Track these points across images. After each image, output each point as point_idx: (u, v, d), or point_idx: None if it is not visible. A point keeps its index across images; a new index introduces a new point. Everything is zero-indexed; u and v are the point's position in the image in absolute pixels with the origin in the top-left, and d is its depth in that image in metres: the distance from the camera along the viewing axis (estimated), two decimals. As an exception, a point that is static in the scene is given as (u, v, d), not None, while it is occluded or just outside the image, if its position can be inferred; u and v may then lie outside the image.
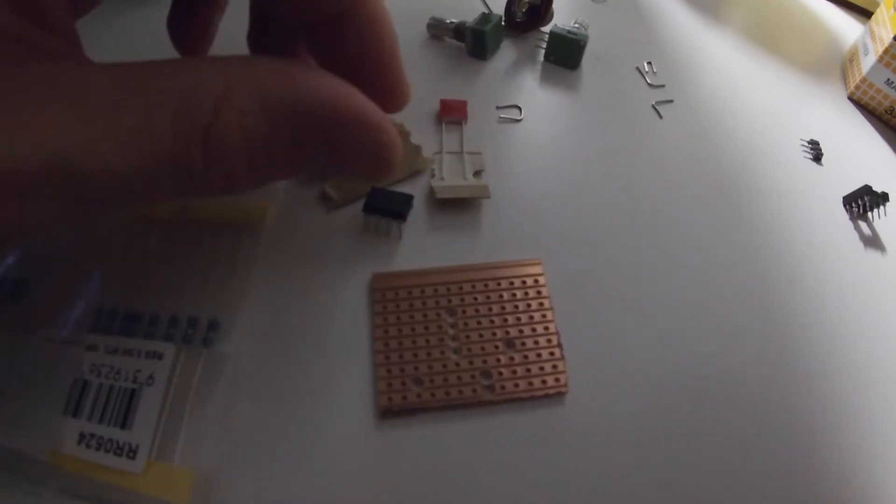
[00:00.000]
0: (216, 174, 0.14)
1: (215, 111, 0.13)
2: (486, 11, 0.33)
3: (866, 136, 0.32)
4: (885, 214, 0.28)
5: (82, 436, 0.20)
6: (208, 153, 0.14)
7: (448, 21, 0.33)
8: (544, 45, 0.33)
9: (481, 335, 0.22)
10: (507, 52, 0.33)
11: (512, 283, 0.23)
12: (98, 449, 0.20)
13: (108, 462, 0.19)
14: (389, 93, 0.19)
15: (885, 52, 0.31)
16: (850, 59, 0.35)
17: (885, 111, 0.33)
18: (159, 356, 0.21)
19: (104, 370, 0.21)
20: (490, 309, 0.23)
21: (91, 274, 0.24)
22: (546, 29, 0.33)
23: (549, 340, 0.22)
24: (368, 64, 0.18)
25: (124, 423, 0.20)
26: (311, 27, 0.18)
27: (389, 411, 0.21)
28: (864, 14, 0.40)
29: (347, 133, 0.15)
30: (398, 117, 0.29)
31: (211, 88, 0.14)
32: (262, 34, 0.21)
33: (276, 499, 0.19)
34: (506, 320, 0.23)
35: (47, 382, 0.21)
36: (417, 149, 0.28)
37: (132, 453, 0.20)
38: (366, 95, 0.16)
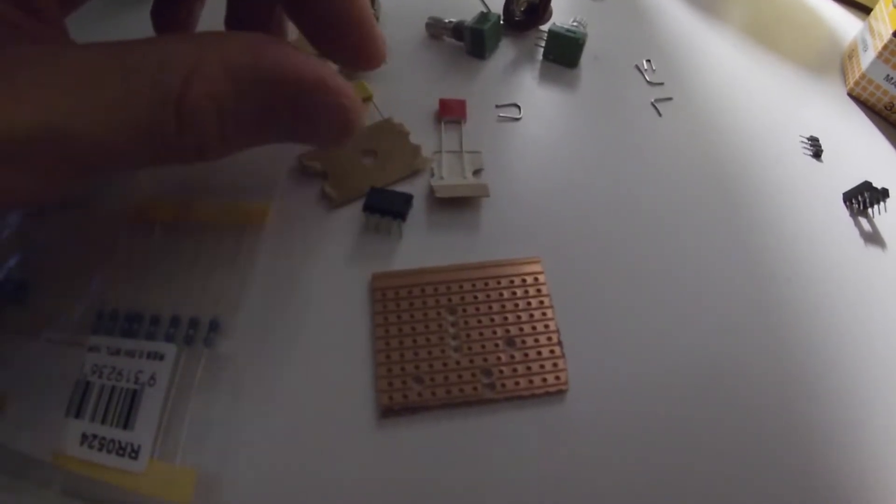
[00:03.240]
0: (189, 139, 0.16)
1: (187, 81, 0.15)
2: (485, 10, 0.33)
3: (866, 132, 0.32)
4: (886, 210, 0.28)
5: (85, 436, 0.20)
6: (181, 119, 0.15)
7: (447, 20, 0.33)
8: (543, 44, 0.33)
9: (481, 333, 0.22)
10: (505, 51, 0.33)
11: (512, 282, 0.24)
12: (100, 449, 0.20)
13: (110, 462, 0.20)
14: (365, 49, 0.21)
15: (885, 48, 0.31)
16: (850, 55, 0.35)
17: (885, 107, 0.33)
18: (161, 357, 0.21)
19: (106, 371, 0.21)
20: (490, 307, 0.23)
21: (92, 275, 0.24)
22: (545, 27, 0.33)
23: (549, 338, 0.22)
24: (342, 24, 0.20)
25: (126, 424, 0.20)
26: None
27: (390, 410, 0.21)
28: (864, 10, 0.40)
29: (310, 97, 0.17)
30: (398, 117, 0.29)
31: (183, 60, 0.15)
32: (238, 11, 0.22)
33: (277, 498, 0.19)
34: (506, 318, 0.23)
35: (50, 384, 0.21)
36: (417, 148, 0.28)
37: (134, 453, 0.20)
38: (343, 55, 0.19)
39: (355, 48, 0.20)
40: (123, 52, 0.15)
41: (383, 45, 0.22)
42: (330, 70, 0.17)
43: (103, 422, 0.20)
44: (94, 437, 0.20)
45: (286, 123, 0.18)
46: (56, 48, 0.15)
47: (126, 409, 0.21)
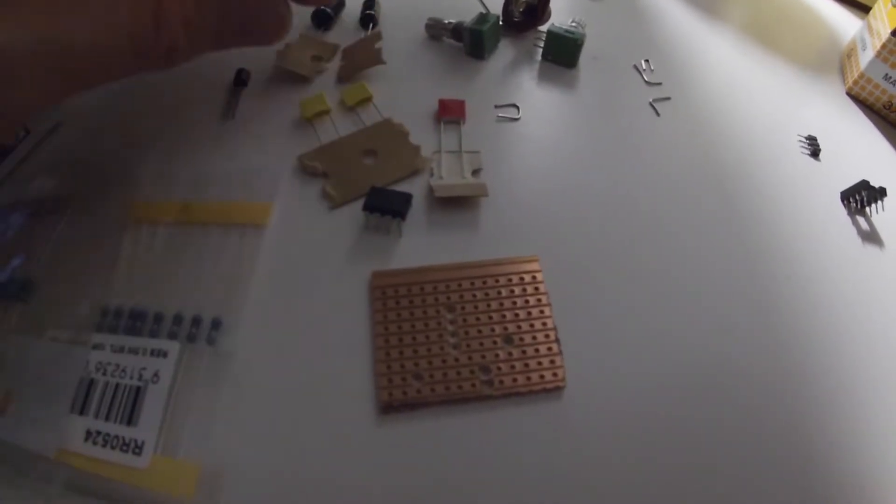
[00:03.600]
0: (163, 38, 0.20)
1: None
2: (484, 11, 0.33)
3: (864, 131, 0.32)
4: (883, 209, 0.28)
5: (89, 433, 0.20)
6: (157, 21, 0.19)
7: (446, 21, 0.33)
8: (542, 45, 0.33)
9: (480, 331, 0.22)
10: (504, 52, 0.34)
11: (510, 280, 0.24)
12: (104, 445, 0.20)
13: (114, 458, 0.20)
14: None
15: (883, 47, 0.31)
16: (849, 54, 0.35)
17: (884, 106, 0.33)
18: (164, 354, 0.22)
19: (110, 368, 0.22)
20: (489, 305, 0.23)
21: (96, 275, 0.24)
22: (543, 28, 0.33)
23: (546, 336, 0.22)
24: None
25: (130, 420, 0.21)
26: None
27: (390, 406, 0.21)
28: (863, 9, 0.40)
29: (252, 3, 0.23)
30: (397, 117, 0.29)
31: None
32: None
33: (279, 492, 0.20)
34: (504, 316, 0.23)
35: (54, 381, 0.21)
36: (416, 148, 0.28)
37: (138, 449, 0.20)
38: None
39: None
40: None
41: None
42: None
43: (107, 418, 0.21)
44: (98, 433, 0.20)
45: (236, 27, 0.23)
46: None
47: (130, 405, 0.21)
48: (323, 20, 0.34)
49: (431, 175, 0.27)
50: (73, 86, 0.19)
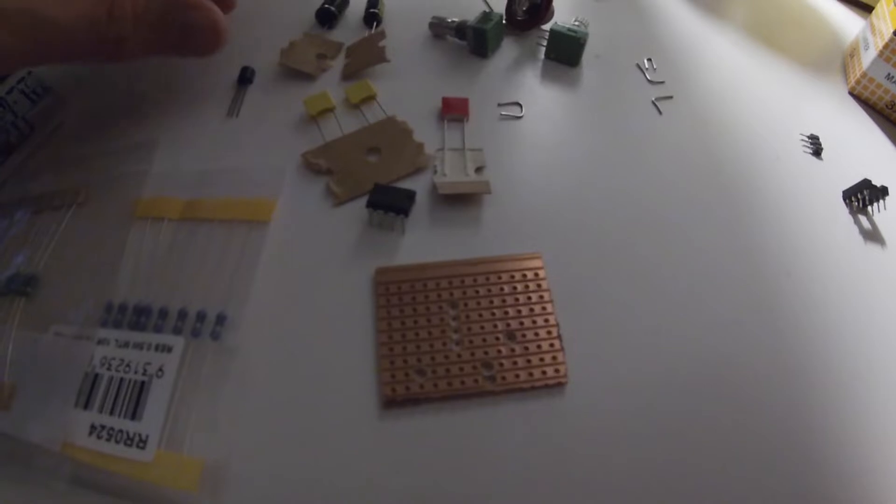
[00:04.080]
0: (113, 29, 0.24)
1: None
2: (487, 10, 0.33)
3: (866, 130, 0.32)
4: (885, 208, 0.28)
5: (93, 427, 0.20)
6: (111, 14, 0.24)
7: (449, 20, 0.33)
8: (545, 43, 0.33)
9: (482, 327, 0.23)
10: (508, 50, 0.34)
11: (513, 277, 0.24)
12: (109, 440, 0.20)
13: (118, 452, 0.20)
14: None
15: (886, 46, 0.31)
16: (851, 53, 0.35)
17: (886, 106, 0.33)
18: (169, 349, 0.22)
19: (114, 363, 0.22)
20: (491, 301, 0.23)
21: (101, 271, 0.24)
22: (546, 27, 0.33)
23: (548, 332, 0.23)
24: None
25: (134, 415, 0.21)
26: None
27: (393, 401, 0.21)
28: (865, 9, 0.40)
29: (190, 10, 0.26)
30: (401, 115, 0.29)
31: None
32: None
33: (282, 487, 0.20)
34: (506, 312, 0.23)
35: (58, 376, 0.22)
36: (420, 146, 0.28)
37: (142, 443, 0.20)
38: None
39: None
40: None
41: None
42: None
43: (111, 413, 0.21)
44: (103, 427, 0.20)
45: (177, 31, 0.26)
46: None
47: (134, 400, 0.21)
48: (327, 18, 0.34)
49: (435, 172, 0.27)
50: (41, 52, 0.23)
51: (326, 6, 0.34)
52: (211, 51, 0.28)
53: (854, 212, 0.28)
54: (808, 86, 0.34)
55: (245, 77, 0.31)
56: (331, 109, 0.30)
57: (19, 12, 0.22)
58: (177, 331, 0.22)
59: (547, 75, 0.33)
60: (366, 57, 0.32)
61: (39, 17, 0.22)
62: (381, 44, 0.32)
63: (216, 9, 0.27)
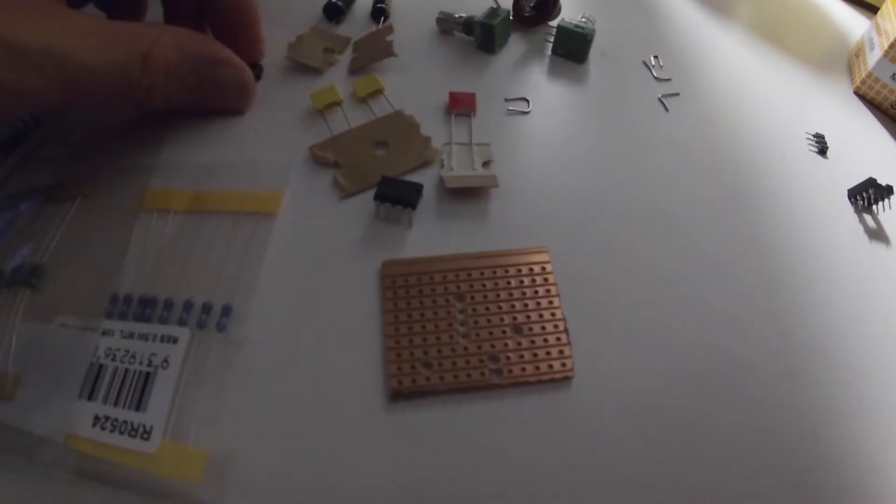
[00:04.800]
0: (146, 80, 0.24)
1: (151, 45, 0.24)
2: (495, 6, 0.33)
3: (871, 130, 0.32)
4: (890, 207, 0.28)
5: (97, 418, 0.20)
6: (145, 66, 0.24)
7: (457, 15, 0.33)
8: (552, 39, 0.33)
9: (489, 320, 0.23)
10: (515, 46, 0.34)
11: (519, 271, 0.24)
12: (113, 431, 0.20)
13: (122, 443, 0.20)
14: (251, 45, 0.30)
15: (891, 46, 0.31)
16: (857, 53, 0.35)
17: (891, 106, 0.33)
18: (174, 340, 0.22)
19: (119, 354, 0.22)
20: (498, 295, 0.23)
21: (106, 262, 0.24)
22: (554, 23, 0.33)
23: (555, 326, 0.22)
24: (240, 28, 0.30)
25: (139, 406, 0.21)
26: (203, 10, 0.29)
27: (399, 394, 0.21)
28: (871, 9, 0.40)
29: (221, 67, 0.27)
30: (408, 109, 0.29)
31: (149, 33, 0.24)
32: (172, 15, 0.30)
33: (288, 479, 0.20)
34: (513, 306, 0.23)
35: (63, 367, 0.21)
36: (427, 140, 0.28)
37: (146, 435, 0.20)
38: (238, 46, 0.28)
39: (247, 44, 0.30)
40: (109, 22, 0.24)
41: (264, 46, 0.31)
42: (236, 56, 0.28)
43: (116, 404, 0.21)
44: (107, 418, 0.20)
45: (207, 85, 0.27)
46: (65, 7, 0.23)
47: (139, 391, 0.21)
48: (334, 13, 0.34)
49: (442, 166, 0.27)
50: (69, 96, 0.23)
51: (334, 1, 0.34)
52: (237, 106, 0.29)
53: (859, 210, 0.28)
54: (813, 85, 0.34)
55: (253, 72, 0.31)
56: (338, 103, 0.30)
57: (50, 54, 0.21)
58: (182, 322, 0.22)
59: (554, 71, 0.33)
60: (373, 51, 0.32)
61: (68, 60, 0.21)
62: (389, 38, 0.32)
63: (246, 67, 0.28)
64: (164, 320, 0.22)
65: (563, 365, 0.22)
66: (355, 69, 0.32)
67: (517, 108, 0.31)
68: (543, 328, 0.22)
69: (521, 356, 0.22)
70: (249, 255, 0.24)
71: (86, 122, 0.30)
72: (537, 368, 0.22)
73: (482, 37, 0.33)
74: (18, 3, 0.21)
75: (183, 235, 0.25)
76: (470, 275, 0.24)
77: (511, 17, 0.34)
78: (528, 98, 0.31)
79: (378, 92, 0.30)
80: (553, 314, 0.23)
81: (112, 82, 0.23)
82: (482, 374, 0.21)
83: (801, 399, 0.22)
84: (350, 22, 0.35)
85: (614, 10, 0.37)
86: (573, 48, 0.33)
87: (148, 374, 0.21)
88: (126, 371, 0.21)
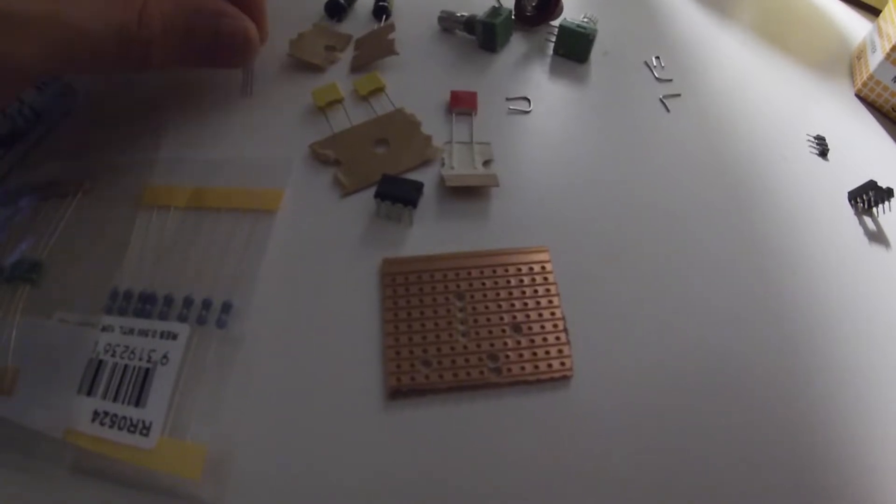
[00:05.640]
0: (143, 34, 0.23)
1: (146, 1, 0.23)
2: (497, 5, 0.33)
3: (873, 132, 0.32)
4: (890, 209, 0.28)
5: (96, 413, 0.20)
6: (141, 20, 0.23)
7: (459, 14, 0.33)
8: (554, 39, 0.33)
9: (489, 319, 0.23)
10: (516, 46, 0.34)
11: (519, 270, 0.24)
12: (112, 426, 0.20)
13: (121, 439, 0.20)
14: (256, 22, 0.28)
15: (893, 49, 0.31)
16: (858, 56, 0.35)
17: (892, 108, 0.33)
18: (174, 336, 0.22)
19: (119, 350, 0.22)
20: (498, 294, 0.23)
21: (106, 258, 0.24)
22: (555, 23, 0.33)
23: (555, 325, 0.22)
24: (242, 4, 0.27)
25: (138, 402, 0.21)
26: None
27: (398, 391, 0.21)
28: (873, 12, 0.40)
29: (221, 20, 0.26)
30: (410, 107, 0.29)
31: None
32: None
33: (286, 476, 0.20)
34: (513, 305, 0.23)
35: (62, 363, 0.21)
36: (428, 138, 0.28)
37: (145, 430, 0.20)
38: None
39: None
40: None
41: (266, 28, 0.29)
42: (235, 8, 0.26)
43: (115, 399, 0.21)
44: (106, 414, 0.20)
45: (205, 39, 0.26)
46: None
47: (138, 387, 0.21)
48: (336, 11, 0.34)
49: (442, 165, 0.27)
50: (67, 61, 0.22)
51: (336, -2, 0.34)
52: (240, 61, 0.28)
53: (859, 213, 0.28)
54: (814, 87, 0.34)
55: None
56: (339, 101, 0.30)
57: (44, 20, 0.20)
58: (182, 318, 0.22)
59: (555, 71, 0.33)
60: (375, 50, 0.32)
61: (67, 25, 0.21)
62: (390, 37, 0.32)
63: (247, 18, 0.27)
64: (163, 316, 0.22)
65: (563, 364, 0.22)
66: (356, 67, 0.32)
67: (518, 108, 0.31)
68: (543, 327, 0.22)
69: (521, 355, 0.22)
70: (250, 252, 0.24)
71: (86, 118, 0.30)
72: (536, 367, 0.22)
73: (484, 36, 0.33)
74: None
75: (183, 232, 0.25)
76: (470, 273, 0.24)
77: (513, 17, 0.34)
78: (529, 97, 0.31)
79: (379, 90, 0.30)
80: (553, 313, 0.23)
81: (109, 42, 0.22)
82: (481, 372, 0.21)
83: (801, 399, 0.22)
84: (352, 20, 0.35)
85: (616, 10, 0.37)
86: (575, 48, 0.33)
87: (147, 370, 0.21)
88: (125, 367, 0.21)
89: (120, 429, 0.20)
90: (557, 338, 0.22)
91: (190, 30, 0.25)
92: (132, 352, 0.22)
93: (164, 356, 0.21)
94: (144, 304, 0.23)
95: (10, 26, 0.20)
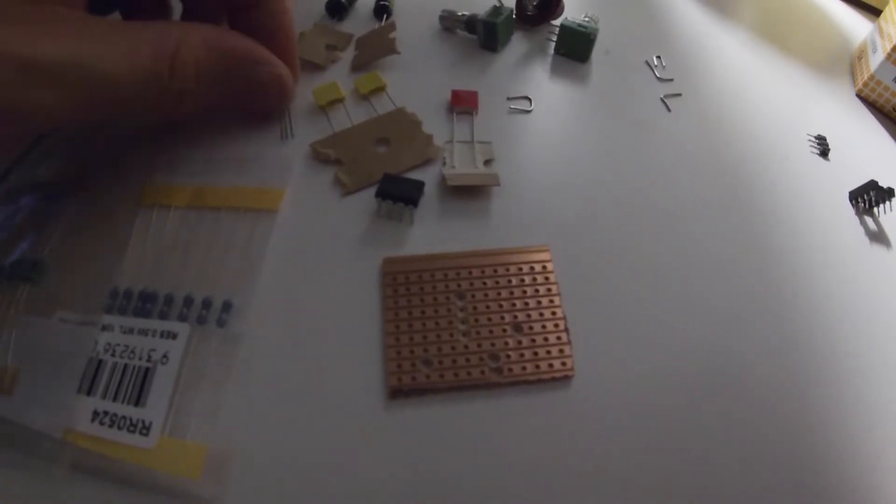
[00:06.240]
0: (175, 84, 0.22)
1: (178, 46, 0.22)
2: (498, 4, 0.33)
3: (873, 132, 0.32)
4: (891, 210, 0.28)
5: (96, 413, 0.20)
6: (173, 69, 0.21)
7: (460, 13, 0.33)
8: (555, 38, 0.33)
9: (490, 319, 0.23)
10: (518, 45, 0.34)
11: (520, 269, 0.24)
12: (111, 426, 0.20)
13: (121, 438, 0.20)
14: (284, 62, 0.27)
15: (894, 49, 0.31)
16: (859, 56, 0.35)
17: (893, 108, 0.33)
18: (174, 336, 0.22)
19: (119, 349, 0.22)
20: (499, 293, 0.23)
21: (106, 257, 0.24)
22: (557, 22, 0.33)
23: (555, 325, 0.22)
24: (270, 45, 0.26)
25: (138, 401, 0.21)
26: (231, 12, 0.26)
27: (399, 391, 0.21)
28: (873, 12, 0.40)
29: (256, 67, 0.25)
30: (411, 107, 0.29)
31: (174, 33, 0.22)
32: (192, 14, 0.28)
33: (286, 475, 0.20)
34: (514, 305, 0.23)
35: (62, 362, 0.21)
36: (429, 137, 0.28)
37: (145, 430, 0.20)
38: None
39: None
40: (129, 24, 0.22)
41: (297, 70, 0.28)
42: (270, 53, 0.25)
43: (115, 399, 0.21)
44: (106, 413, 0.20)
45: (241, 87, 0.25)
46: (81, 13, 0.21)
47: (138, 386, 0.21)
48: (337, 10, 0.34)
49: (443, 164, 0.27)
50: (90, 108, 0.20)
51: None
52: (275, 107, 0.28)
53: (860, 213, 0.28)
54: (815, 87, 0.34)
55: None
56: (340, 100, 0.30)
57: (68, 66, 0.19)
58: (182, 318, 0.22)
59: (556, 70, 0.33)
60: (376, 49, 0.32)
61: (87, 71, 0.19)
62: (391, 36, 0.32)
63: (281, 63, 0.26)
64: (163, 316, 0.22)
65: (564, 364, 0.22)
66: (357, 66, 0.32)
67: (519, 107, 0.31)
68: (544, 327, 0.22)
69: (522, 355, 0.22)
70: (250, 251, 0.24)
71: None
72: (537, 367, 0.22)
73: (485, 35, 0.32)
74: (28, 13, 0.19)
75: (183, 231, 0.25)
76: (471, 273, 0.24)
77: (514, 16, 0.34)
78: (530, 97, 0.31)
79: (380, 89, 0.30)
80: (554, 313, 0.23)
81: (138, 91, 0.21)
82: (482, 372, 0.21)
83: (801, 399, 0.22)
84: (353, 19, 0.35)
85: (617, 9, 0.37)
86: (576, 47, 0.33)
87: (147, 369, 0.21)
88: (125, 366, 0.21)
89: (120, 428, 0.20)
90: (558, 337, 0.22)
91: (224, 79, 0.24)
92: (132, 351, 0.22)
93: (164, 355, 0.21)
94: (144, 304, 0.23)
95: (28, 72, 0.18)
